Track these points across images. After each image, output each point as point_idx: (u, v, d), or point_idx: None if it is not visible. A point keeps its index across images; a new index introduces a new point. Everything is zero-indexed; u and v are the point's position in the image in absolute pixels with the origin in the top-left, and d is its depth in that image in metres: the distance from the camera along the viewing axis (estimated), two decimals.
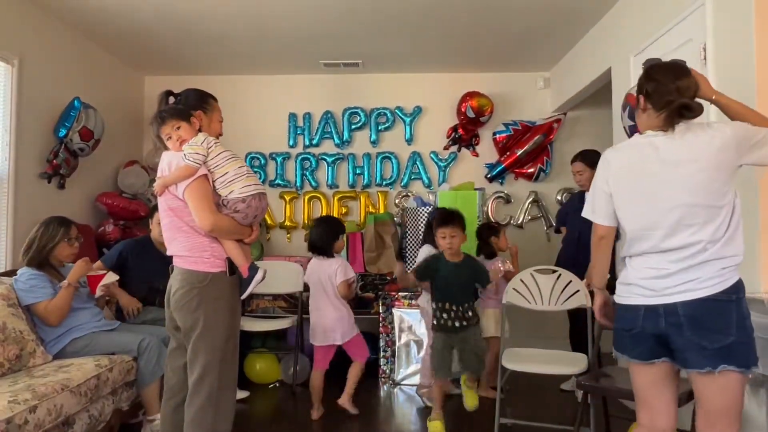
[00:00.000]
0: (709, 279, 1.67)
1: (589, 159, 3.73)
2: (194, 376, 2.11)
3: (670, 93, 1.74)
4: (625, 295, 1.83)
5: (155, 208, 3.45)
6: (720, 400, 1.68)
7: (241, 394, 3.65)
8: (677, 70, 1.80)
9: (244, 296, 2.21)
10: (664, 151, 1.74)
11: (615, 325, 1.89)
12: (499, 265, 3.61)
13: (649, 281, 1.74)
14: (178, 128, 2.14)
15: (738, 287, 1.68)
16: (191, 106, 2.26)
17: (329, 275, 3.22)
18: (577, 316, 3.52)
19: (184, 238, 2.15)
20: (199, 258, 2.13)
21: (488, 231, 3.79)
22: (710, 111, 2.02)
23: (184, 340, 2.17)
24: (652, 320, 1.73)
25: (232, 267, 2.17)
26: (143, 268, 3.31)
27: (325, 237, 3.27)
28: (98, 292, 3.01)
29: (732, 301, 1.67)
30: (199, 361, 2.11)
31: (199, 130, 2.20)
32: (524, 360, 2.95)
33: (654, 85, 1.78)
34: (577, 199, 3.87)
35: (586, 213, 1.97)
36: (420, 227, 4.35)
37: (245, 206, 2.13)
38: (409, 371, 3.98)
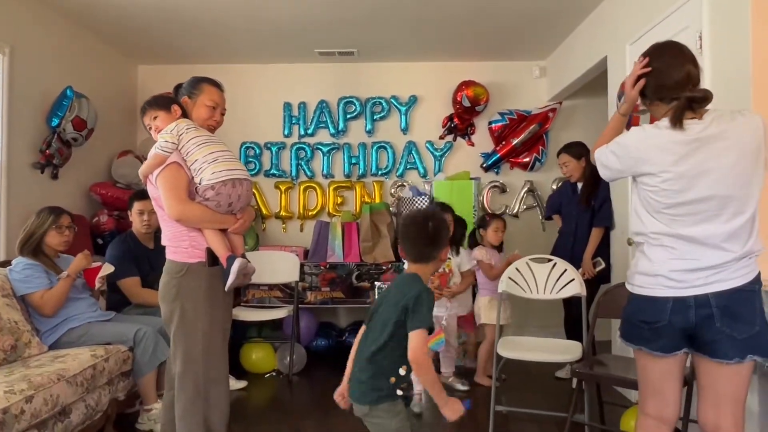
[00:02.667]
0: (741, 269, 1.64)
1: (573, 151, 3.76)
2: (178, 369, 2.10)
3: (670, 90, 1.69)
4: (648, 287, 1.73)
5: (134, 197, 3.43)
6: (732, 386, 1.68)
7: (239, 384, 3.67)
8: (677, 53, 1.73)
9: (227, 288, 2.10)
10: (705, 140, 1.65)
11: (631, 317, 1.79)
12: (476, 253, 3.65)
13: (678, 273, 1.67)
14: (155, 118, 2.14)
15: (759, 277, 1.67)
16: (181, 94, 2.24)
17: None
18: (572, 305, 3.55)
19: (166, 228, 2.14)
20: (177, 248, 2.10)
21: (479, 221, 3.83)
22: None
23: (167, 332, 2.15)
24: (681, 313, 1.67)
25: (213, 257, 2.09)
26: (134, 264, 3.30)
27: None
28: (97, 285, 3.02)
29: (756, 291, 1.66)
30: (179, 354, 2.09)
31: (183, 116, 2.16)
32: (519, 348, 2.97)
33: (650, 88, 1.74)
34: (569, 189, 3.88)
35: (602, 167, 1.85)
36: None
37: (214, 193, 2.05)
38: None
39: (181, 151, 2.07)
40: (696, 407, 1.81)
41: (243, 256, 2.16)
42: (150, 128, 2.16)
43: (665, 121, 1.70)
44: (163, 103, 2.17)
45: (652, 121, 1.82)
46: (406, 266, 2.02)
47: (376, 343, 1.76)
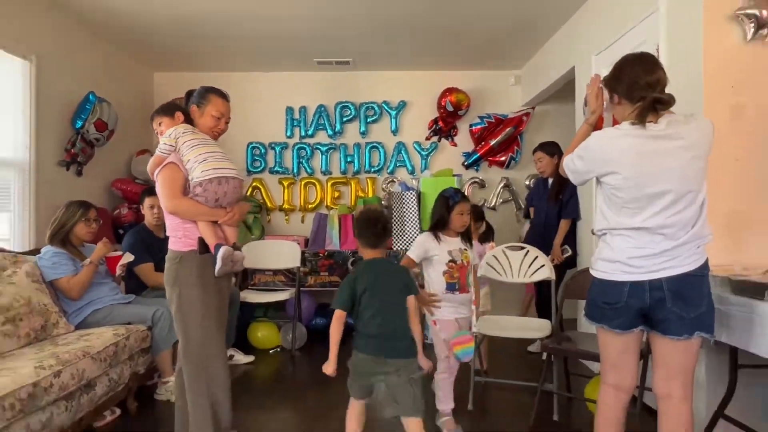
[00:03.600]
0: (690, 256, 1.65)
1: (548, 149, 3.77)
2: (180, 346, 2.10)
3: (643, 88, 1.67)
4: (608, 272, 1.73)
5: (145, 193, 3.40)
6: (682, 360, 1.70)
7: (247, 359, 3.68)
8: (647, 62, 1.71)
9: (217, 273, 2.04)
10: (662, 140, 1.64)
11: (594, 298, 1.79)
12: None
13: (635, 260, 1.67)
14: (161, 123, 2.18)
15: (707, 263, 1.68)
16: (191, 102, 2.20)
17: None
18: (543, 287, 3.57)
19: (167, 220, 2.14)
20: (174, 237, 2.11)
21: None
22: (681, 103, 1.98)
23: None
24: (637, 295, 1.68)
25: (204, 246, 2.07)
26: (149, 253, 3.28)
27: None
28: (118, 271, 3.01)
29: (704, 275, 1.67)
30: (180, 333, 2.09)
31: (186, 122, 2.16)
32: (496, 326, 2.97)
33: (625, 86, 1.71)
34: (541, 185, 3.89)
35: (570, 172, 1.86)
36: (404, 209, 4.35)
37: (202, 190, 2.03)
38: None
39: (178, 153, 2.08)
40: (651, 378, 1.83)
41: (234, 245, 2.12)
42: (157, 132, 2.19)
43: (626, 124, 1.70)
44: (167, 110, 2.19)
45: (613, 124, 1.82)
46: (366, 253, 2.12)
47: (402, 313, 2.03)
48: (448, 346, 2.42)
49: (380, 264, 2.11)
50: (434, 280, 2.50)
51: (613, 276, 1.73)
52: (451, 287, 2.46)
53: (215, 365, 2.10)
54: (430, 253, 2.49)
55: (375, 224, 2.08)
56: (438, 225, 2.54)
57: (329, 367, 2.00)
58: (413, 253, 2.51)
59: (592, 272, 1.82)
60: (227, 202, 2.11)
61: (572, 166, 1.83)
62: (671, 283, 1.65)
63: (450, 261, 2.47)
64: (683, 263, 1.65)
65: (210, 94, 2.18)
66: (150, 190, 3.34)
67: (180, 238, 2.09)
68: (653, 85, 1.67)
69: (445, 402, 2.50)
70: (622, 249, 1.71)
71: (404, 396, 1.94)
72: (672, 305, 1.65)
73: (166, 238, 2.15)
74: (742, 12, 2.26)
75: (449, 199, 2.53)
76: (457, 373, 2.52)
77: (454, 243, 2.53)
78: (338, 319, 2.03)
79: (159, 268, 3.24)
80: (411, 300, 2.06)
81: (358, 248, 2.15)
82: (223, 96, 2.21)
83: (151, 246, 3.29)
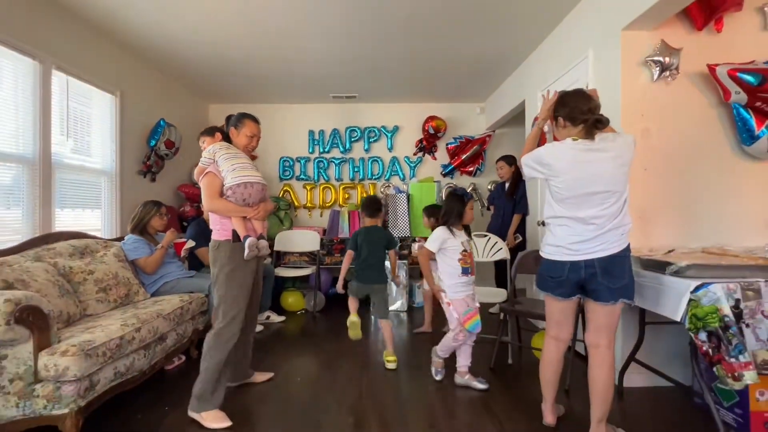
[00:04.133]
0: (615, 242, 1.64)
1: (507, 160, 3.75)
2: (215, 306, 2.06)
3: (584, 113, 1.67)
4: (554, 254, 1.73)
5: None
6: (608, 319, 1.70)
7: (280, 318, 3.67)
8: (585, 96, 1.71)
9: (246, 257, 1.99)
10: (594, 152, 1.64)
11: (542, 273, 1.79)
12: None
13: (574, 245, 1.68)
14: (204, 141, 2.18)
15: (629, 247, 1.68)
16: (230, 125, 2.15)
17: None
18: (500, 265, 3.57)
19: (210, 216, 2.11)
20: (215, 229, 2.07)
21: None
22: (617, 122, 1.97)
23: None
24: (575, 272, 1.68)
25: (237, 236, 2.03)
26: (206, 240, 3.26)
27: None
28: (182, 254, 3.00)
29: (626, 256, 1.66)
30: (216, 299, 2.05)
31: (223, 140, 2.14)
32: None
33: (568, 110, 1.70)
34: (500, 188, 3.89)
35: (525, 167, 1.79)
36: (397, 206, 4.35)
37: (231, 193, 1.99)
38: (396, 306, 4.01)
39: (216, 164, 2.04)
40: (581, 332, 1.84)
41: (261, 236, 2.07)
42: (202, 148, 2.19)
43: (569, 140, 1.71)
44: (209, 131, 2.20)
45: (555, 140, 1.82)
46: (366, 221, 2.63)
47: (381, 258, 2.58)
48: (460, 323, 2.27)
49: (373, 229, 2.61)
50: (449, 266, 2.29)
51: (557, 257, 1.73)
52: (465, 271, 2.29)
53: (234, 321, 2.05)
54: (446, 244, 2.29)
55: (372, 203, 2.60)
56: (455, 219, 2.31)
57: (339, 285, 2.55)
58: (433, 246, 2.28)
59: (542, 254, 1.81)
60: (252, 202, 2.05)
61: (527, 162, 1.82)
62: (601, 262, 1.65)
63: (463, 250, 2.31)
64: (610, 247, 1.65)
65: (245, 119, 2.13)
66: None
67: (218, 230, 2.05)
68: (592, 110, 1.67)
69: (443, 353, 2.40)
70: (563, 236, 1.71)
71: (380, 306, 2.52)
72: (601, 279, 1.65)
73: None
74: (650, 59, 2.27)
75: (463, 197, 2.35)
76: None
77: (462, 235, 2.36)
78: (348, 256, 2.56)
79: None
80: (391, 253, 2.58)
81: (361, 219, 2.57)
82: (255, 120, 2.17)
83: (207, 234, 3.25)
